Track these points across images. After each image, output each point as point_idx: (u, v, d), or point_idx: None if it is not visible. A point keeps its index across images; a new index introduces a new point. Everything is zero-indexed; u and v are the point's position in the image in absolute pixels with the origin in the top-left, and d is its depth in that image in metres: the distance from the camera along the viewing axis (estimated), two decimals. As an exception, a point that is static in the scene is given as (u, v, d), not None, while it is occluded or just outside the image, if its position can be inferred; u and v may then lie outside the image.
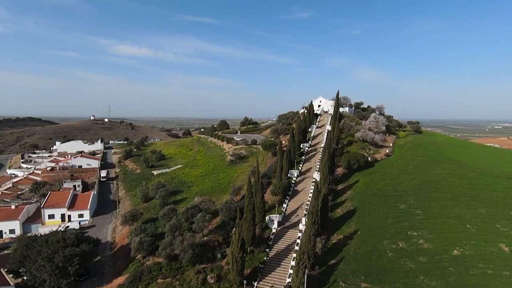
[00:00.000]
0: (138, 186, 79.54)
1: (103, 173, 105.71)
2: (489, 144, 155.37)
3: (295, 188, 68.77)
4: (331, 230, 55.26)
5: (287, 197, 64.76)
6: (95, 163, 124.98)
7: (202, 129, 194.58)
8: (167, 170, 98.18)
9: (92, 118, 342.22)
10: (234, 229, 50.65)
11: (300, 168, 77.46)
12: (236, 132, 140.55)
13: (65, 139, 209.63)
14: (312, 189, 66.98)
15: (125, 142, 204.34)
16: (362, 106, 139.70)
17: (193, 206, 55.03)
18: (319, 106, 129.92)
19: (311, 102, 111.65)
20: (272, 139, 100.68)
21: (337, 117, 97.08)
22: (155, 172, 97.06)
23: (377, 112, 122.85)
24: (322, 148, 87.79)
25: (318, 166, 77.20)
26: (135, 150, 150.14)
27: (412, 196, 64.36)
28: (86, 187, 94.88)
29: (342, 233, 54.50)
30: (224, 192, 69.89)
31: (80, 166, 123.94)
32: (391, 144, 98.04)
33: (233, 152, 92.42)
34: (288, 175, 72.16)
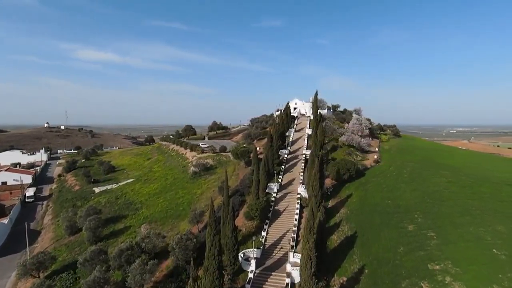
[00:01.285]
0: (64, 211, 57.85)
1: (30, 191, 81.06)
2: (462, 148, 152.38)
3: (275, 207, 52.30)
4: (330, 269, 39.31)
5: (267, 221, 48.01)
6: (27, 179, 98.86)
7: (165, 135, 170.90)
8: (114, 186, 76.85)
9: (45, 125, 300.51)
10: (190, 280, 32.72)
11: (280, 180, 61.36)
12: (203, 138, 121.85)
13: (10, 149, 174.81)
14: (297, 207, 51.00)
15: (76, 151, 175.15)
16: (338, 109, 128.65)
17: (130, 247, 36.06)
18: (294, 108, 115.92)
19: (287, 103, 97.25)
20: (244, 145, 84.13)
21: (318, 119, 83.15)
22: (97, 189, 75.21)
23: (356, 114, 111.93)
24: (304, 155, 72.84)
25: (301, 178, 61.70)
26: (83, 160, 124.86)
27: (417, 213, 50.96)
28: (1, 212, 70.68)
29: (345, 274, 38.75)
30: (182, 217, 51.29)
31: (4, 183, 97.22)
32: (377, 149, 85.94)
33: (197, 161, 74.04)
34: (266, 190, 55.74)
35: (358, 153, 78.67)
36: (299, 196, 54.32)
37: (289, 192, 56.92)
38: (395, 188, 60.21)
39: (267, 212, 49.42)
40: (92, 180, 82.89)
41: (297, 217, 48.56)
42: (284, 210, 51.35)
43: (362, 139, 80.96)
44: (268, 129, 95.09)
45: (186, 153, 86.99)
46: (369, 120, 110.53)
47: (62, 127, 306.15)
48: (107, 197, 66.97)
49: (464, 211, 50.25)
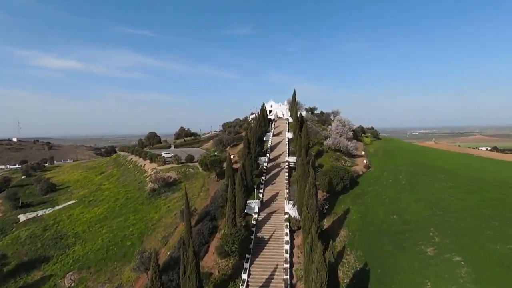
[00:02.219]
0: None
1: None
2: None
3: (258, 234, 39.12)
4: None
5: (247, 256, 34.61)
6: None
7: (133, 145, 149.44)
8: (48, 211, 58.76)
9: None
10: None
11: (261, 196, 48.46)
12: (169, 147, 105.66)
13: None
14: (286, 232, 38.33)
15: (20, 166, 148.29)
16: (316, 112, 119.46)
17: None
18: (270, 111, 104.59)
19: (263, 104, 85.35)
20: (216, 153, 70.41)
21: (300, 120, 72.08)
22: (23, 217, 56.62)
23: (332, 117, 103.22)
24: (286, 163, 60.81)
25: (287, 191, 49.36)
26: (23, 177, 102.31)
27: (431, 229, 40.67)
28: None
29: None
30: (128, 258, 36.22)
31: None
32: (363, 152, 76.60)
33: (157, 175, 58.78)
34: (245, 210, 42.51)
35: (346, 158, 68.37)
36: (287, 216, 41.77)
37: (273, 212, 44.12)
38: (397, 199, 49.99)
39: (248, 243, 36.08)
40: (20, 204, 63.69)
41: (287, 247, 35.85)
42: (270, 237, 38.37)
43: (349, 142, 71.04)
44: (243, 133, 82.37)
45: (145, 165, 70.89)
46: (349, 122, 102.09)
47: (14, 139, 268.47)
48: (32, 229, 49.20)
49: (481, 224, 40.84)
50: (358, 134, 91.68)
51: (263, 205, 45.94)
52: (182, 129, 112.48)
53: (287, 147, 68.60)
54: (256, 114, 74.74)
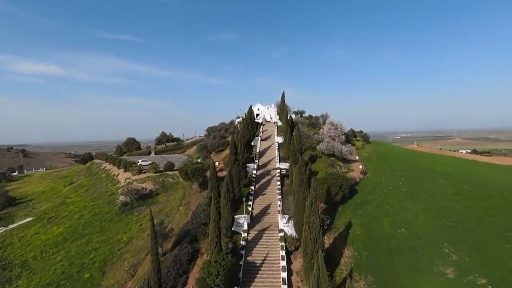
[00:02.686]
0: None
1: None
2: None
3: (248, 257, 32.18)
4: None
5: (236, 288, 27.71)
6: None
7: (118, 148, 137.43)
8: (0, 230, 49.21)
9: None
10: None
11: (250, 209, 41.67)
12: (149, 153, 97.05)
13: None
14: (282, 255, 31.69)
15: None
16: (304, 115, 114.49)
17: None
18: (257, 115, 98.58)
19: (250, 107, 79.08)
20: (199, 159, 63.12)
21: (290, 123, 66.23)
22: (-35, 240, 46.91)
23: (321, 121, 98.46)
24: (278, 170, 54.51)
25: (280, 204, 42.84)
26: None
27: (446, 245, 35.46)
28: None
29: None
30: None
31: None
32: (357, 157, 71.64)
33: (129, 187, 50.71)
34: (233, 228, 35.61)
35: (340, 163, 62.93)
36: (281, 235, 35.19)
37: (265, 228, 37.39)
38: (402, 209, 44.63)
39: (236, 271, 29.11)
40: (-33, 223, 53.57)
41: (284, 275, 29.18)
42: (263, 262, 31.57)
43: (344, 147, 65.76)
44: (228, 138, 75.65)
45: (118, 174, 62.34)
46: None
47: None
48: (-29, 256, 39.88)
49: (497, 237, 35.86)
50: (350, 137, 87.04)
51: (253, 221, 39.17)
52: (163, 134, 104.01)
53: (277, 153, 62.44)
54: (243, 117, 68.22)
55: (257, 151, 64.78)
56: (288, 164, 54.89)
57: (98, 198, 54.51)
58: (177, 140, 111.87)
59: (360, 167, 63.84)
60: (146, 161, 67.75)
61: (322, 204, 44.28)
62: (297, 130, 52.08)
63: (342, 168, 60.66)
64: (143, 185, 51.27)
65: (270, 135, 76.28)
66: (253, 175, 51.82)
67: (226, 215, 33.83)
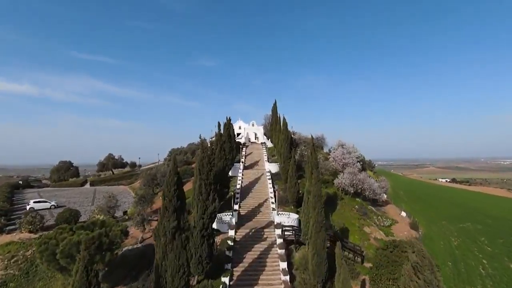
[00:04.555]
0: None
1: None
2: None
3: None
4: None
5: None
6: None
7: (54, 172, 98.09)
8: None
9: None
10: None
11: None
12: (83, 184, 66.18)
13: None
14: None
15: None
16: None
17: None
18: (238, 134, 73.02)
19: (228, 119, 53.36)
20: (143, 196, 34.93)
21: (291, 142, 41.17)
22: None
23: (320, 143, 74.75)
24: (276, 232, 27.76)
25: None
26: None
27: None
28: None
29: None
30: None
31: None
32: (385, 196, 47.02)
33: None
34: None
35: (374, 209, 37.72)
36: None
37: None
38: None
39: None
40: None
41: None
42: None
43: (372, 180, 40.97)
44: (193, 165, 49.11)
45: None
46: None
47: None
48: None
49: None
50: (366, 166, 63.05)
51: None
52: (109, 157, 74.14)
53: (272, 194, 35.84)
54: (217, 133, 41.57)
55: (237, 186, 38.05)
56: (295, 217, 28.72)
57: None
58: (132, 165, 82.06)
59: (403, 214, 38.98)
60: (46, 202, 38.25)
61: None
62: (313, 154, 26.23)
63: (379, 218, 35.17)
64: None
65: (257, 161, 50.11)
66: (233, 243, 24.53)
67: None
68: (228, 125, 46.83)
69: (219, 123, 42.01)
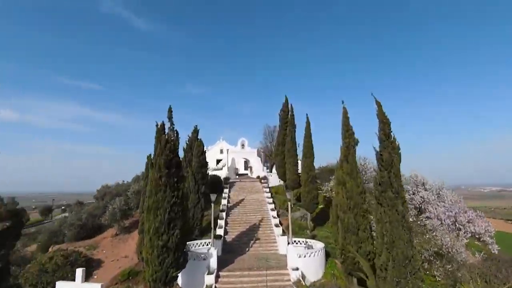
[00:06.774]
0: None
1: None
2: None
3: None
4: None
5: None
6: None
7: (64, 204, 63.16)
8: None
9: None
10: None
11: None
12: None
13: None
14: None
15: None
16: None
17: None
18: (219, 161, 45.14)
19: (196, 131, 26.07)
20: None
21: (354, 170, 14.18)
22: None
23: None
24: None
25: None
26: None
27: None
28: None
29: None
30: None
31: None
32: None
33: None
34: None
35: None
36: None
37: None
38: None
39: None
40: None
41: None
42: None
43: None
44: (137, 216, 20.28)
45: None
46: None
47: None
48: None
49: None
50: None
51: None
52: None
53: None
54: (153, 158, 14.34)
55: None
56: None
57: None
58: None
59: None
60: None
61: None
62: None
63: None
64: None
65: (255, 226, 22.04)
66: None
67: None
68: (192, 142, 19.02)
69: (159, 129, 14.40)
